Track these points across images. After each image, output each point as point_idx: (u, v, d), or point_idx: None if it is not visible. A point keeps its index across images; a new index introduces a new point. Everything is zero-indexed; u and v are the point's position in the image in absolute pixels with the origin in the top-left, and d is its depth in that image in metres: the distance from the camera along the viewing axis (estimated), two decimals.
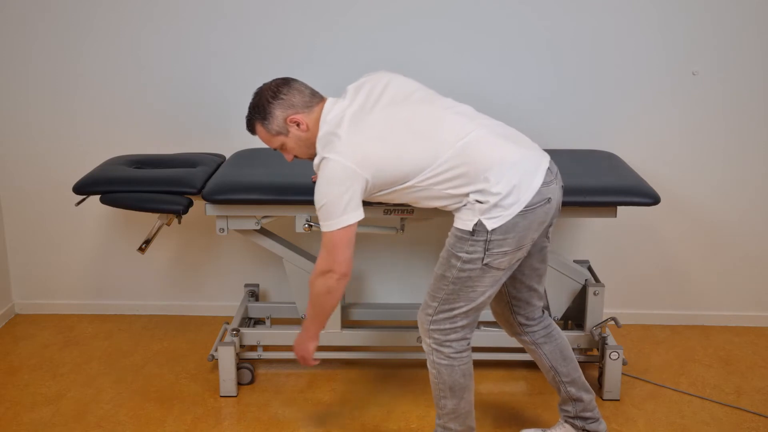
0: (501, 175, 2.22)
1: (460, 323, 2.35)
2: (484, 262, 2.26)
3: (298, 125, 2.37)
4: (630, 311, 3.56)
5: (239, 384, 3.00)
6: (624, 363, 2.91)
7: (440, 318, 2.35)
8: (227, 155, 3.28)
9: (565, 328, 3.20)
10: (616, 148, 3.33)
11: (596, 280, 3.09)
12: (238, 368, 2.97)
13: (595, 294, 2.98)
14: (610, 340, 2.95)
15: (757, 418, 2.85)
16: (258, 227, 2.89)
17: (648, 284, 3.54)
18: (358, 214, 2.27)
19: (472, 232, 2.24)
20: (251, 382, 3.04)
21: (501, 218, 2.22)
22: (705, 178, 3.40)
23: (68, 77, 3.36)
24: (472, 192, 2.25)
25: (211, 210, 2.84)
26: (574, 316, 3.13)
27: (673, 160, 3.38)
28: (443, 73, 3.28)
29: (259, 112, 2.40)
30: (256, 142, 3.35)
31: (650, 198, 2.74)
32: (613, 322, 2.97)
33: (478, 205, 2.24)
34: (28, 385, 3.05)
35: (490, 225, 2.22)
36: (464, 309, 2.33)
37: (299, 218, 2.84)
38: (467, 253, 2.26)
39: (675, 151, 3.37)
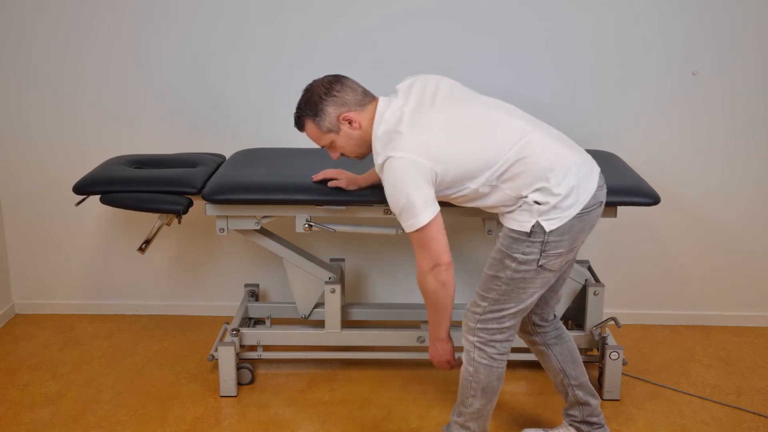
0: (562, 176, 2.22)
1: (507, 324, 2.35)
2: (540, 263, 2.26)
3: (350, 123, 2.35)
4: (630, 311, 3.56)
5: (239, 384, 3.00)
6: (624, 363, 2.91)
7: (488, 318, 2.34)
8: (227, 155, 3.27)
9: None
10: (616, 148, 3.33)
11: (596, 280, 3.09)
12: (238, 368, 2.97)
13: (595, 294, 2.98)
14: (610, 340, 2.95)
15: (757, 418, 2.85)
16: (258, 227, 2.89)
17: (648, 284, 3.54)
18: (437, 206, 2.24)
19: (530, 233, 2.24)
20: (251, 382, 3.04)
21: (559, 220, 2.22)
22: (705, 178, 3.40)
23: (68, 77, 3.36)
24: (531, 192, 2.23)
25: (211, 210, 2.84)
26: (574, 316, 3.13)
27: (673, 160, 3.38)
28: (443, 73, 3.26)
29: (310, 108, 2.36)
30: (256, 142, 3.36)
31: (650, 198, 2.74)
32: (613, 322, 2.97)
33: (536, 206, 2.23)
34: (28, 385, 3.05)
35: (548, 226, 2.22)
36: (513, 310, 2.33)
37: (299, 218, 2.83)
38: (523, 254, 2.25)
39: (675, 151, 3.37)
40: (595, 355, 3.07)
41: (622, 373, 2.97)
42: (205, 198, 2.78)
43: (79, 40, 3.32)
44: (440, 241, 2.25)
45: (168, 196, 2.78)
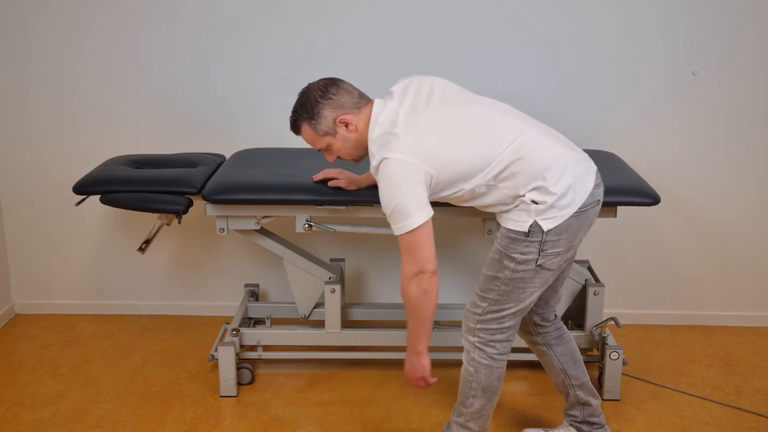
0: (558, 175, 2.22)
1: (507, 324, 2.35)
2: (538, 263, 2.26)
3: (347, 126, 2.35)
4: (630, 311, 3.56)
5: (239, 384, 3.00)
6: (624, 363, 2.92)
7: (488, 318, 2.35)
8: (227, 155, 3.28)
9: None
10: (616, 148, 3.33)
11: (596, 280, 3.09)
12: (238, 368, 2.97)
13: (595, 294, 2.98)
14: (610, 340, 2.95)
15: (757, 418, 2.85)
16: (258, 227, 2.89)
17: (648, 284, 3.54)
18: (430, 210, 2.22)
19: (527, 233, 2.24)
20: (251, 382, 3.04)
21: (556, 219, 2.22)
22: (705, 178, 3.40)
23: (68, 77, 3.36)
24: (528, 192, 2.23)
25: (211, 210, 2.84)
26: (574, 316, 3.13)
27: (673, 160, 3.38)
28: (443, 73, 3.25)
29: (307, 111, 2.35)
30: (256, 142, 3.36)
31: (650, 198, 2.74)
32: (613, 322, 2.97)
33: (533, 206, 2.23)
34: (28, 385, 3.05)
35: (546, 226, 2.22)
36: (513, 310, 2.33)
37: (299, 218, 2.83)
38: (521, 254, 2.25)
39: (675, 151, 3.37)
40: (595, 355, 3.07)
41: (622, 373, 2.97)
42: (205, 198, 2.78)
43: (79, 40, 3.32)
44: (428, 247, 2.22)
45: (168, 196, 2.78)
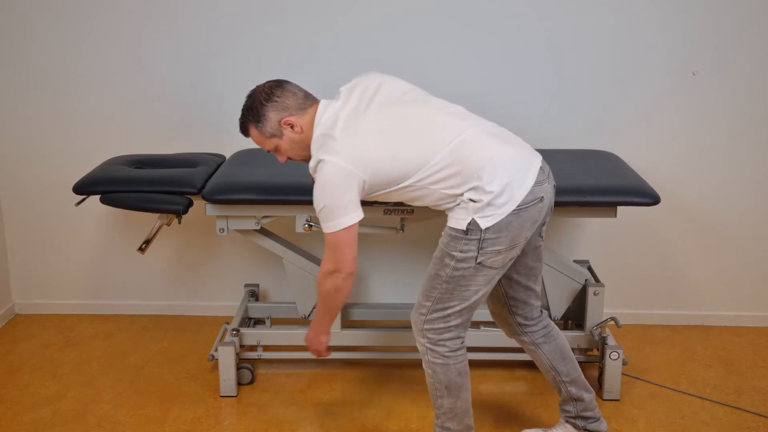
0: (494, 173, 2.23)
1: (453, 322, 2.36)
2: (478, 260, 2.27)
3: (292, 127, 2.38)
4: (630, 311, 3.56)
5: (239, 384, 3.00)
6: (624, 363, 2.91)
7: (434, 317, 2.35)
8: (227, 155, 3.28)
9: (565, 328, 3.21)
10: (616, 148, 3.33)
11: (596, 280, 3.09)
12: (238, 368, 2.97)
13: (595, 294, 2.98)
14: (610, 340, 2.95)
15: (757, 418, 2.85)
16: (258, 227, 2.89)
17: (648, 284, 3.54)
18: (359, 213, 2.28)
19: (466, 231, 2.25)
20: (251, 382, 3.04)
21: (494, 217, 2.23)
22: (705, 178, 3.40)
23: (68, 77, 3.36)
24: (466, 191, 2.26)
25: (211, 210, 2.84)
26: (574, 316, 3.13)
27: (673, 160, 3.38)
28: (443, 73, 3.28)
29: (252, 114, 2.40)
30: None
31: (650, 198, 2.74)
32: (613, 322, 2.97)
33: (471, 204, 2.24)
34: (28, 385, 3.05)
35: (483, 224, 2.23)
36: (458, 308, 2.33)
37: (299, 218, 2.83)
38: (461, 252, 2.27)
39: (675, 151, 3.37)
40: (595, 355, 3.07)
41: (622, 373, 2.97)
42: (205, 198, 2.78)
43: (79, 40, 3.32)
44: (349, 250, 2.30)
45: (168, 196, 2.78)
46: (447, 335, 2.37)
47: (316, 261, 3.09)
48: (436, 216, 2.69)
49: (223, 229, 2.87)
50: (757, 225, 3.44)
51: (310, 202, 2.74)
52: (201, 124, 3.39)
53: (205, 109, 3.38)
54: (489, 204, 2.23)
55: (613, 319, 2.97)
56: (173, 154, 3.19)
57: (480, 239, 2.24)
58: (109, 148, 3.37)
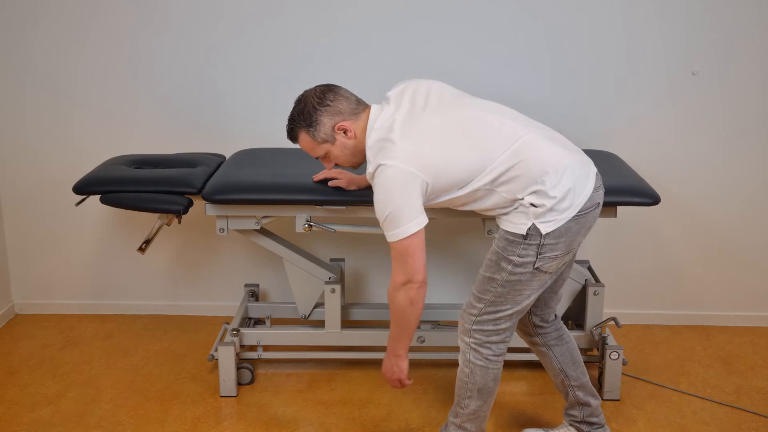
0: (557, 178, 2.21)
1: (503, 325, 2.35)
2: (536, 266, 2.25)
3: (345, 133, 2.33)
4: (630, 311, 3.56)
5: (239, 384, 3.00)
6: (624, 363, 2.92)
7: (484, 319, 2.34)
8: (227, 155, 3.28)
9: None
10: (616, 148, 3.33)
11: (596, 280, 3.09)
12: (238, 368, 2.97)
13: (595, 294, 2.98)
14: (610, 340, 2.95)
15: (757, 418, 2.85)
16: (258, 227, 2.89)
17: (648, 284, 3.54)
18: (425, 218, 2.22)
19: (525, 236, 2.23)
20: (251, 382, 3.04)
21: (555, 222, 2.21)
22: (705, 178, 3.40)
23: (68, 77, 3.36)
24: (527, 195, 2.23)
25: (211, 210, 2.84)
26: (574, 316, 3.13)
27: (673, 160, 3.38)
28: (443, 73, 3.27)
29: (304, 119, 2.34)
30: (256, 142, 3.36)
31: (650, 198, 2.74)
32: (613, 322, 2.97)
33: (532, 209, 2.22)
34: (28, 385, 3.05)
35: (544, 229, 2.21)
36: (509, 312, 2.32)
37: (299, 218, 2.83)
38: (519, 256, 2.25)
39: (675, 151, 3.37)
40: (595, 355, 3.07)
41: (622, 373, 2.97)
42: (205, 198, 2.78)
43: (79, 41, 3.32)
44: (419, 257, 2.23)
45: (168, 196, 2.78)
46: (495, 338, 2.36)
47: (316, 261, 3.09)
48: (436, 216, 2.69)
49: (223, 229, 2.87)
50: (756, 225, 3.44)
51: (310, 202, 2.76)
52: (201, 124, 3.39)
53: (205, 109, 3.38)
54: (551, 209, 2.20)
55: (613, 319, 2.97)
56: (173, 154, 3.19)
57: (539, 244, 2.22)
58: (109, 148, 3.37)
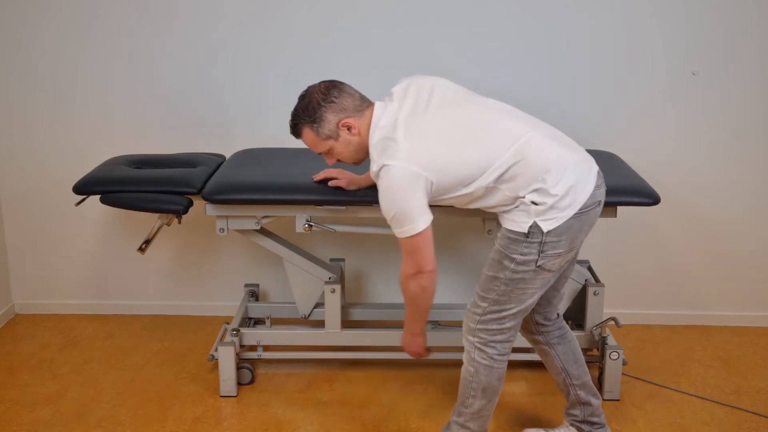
0: (559, 176, 2.22)
1: (507, 324, 2.35)
2: (538, 263, 2.26)
3: (349, 129, 2.34)
4: (630, 311, 3.56)
5: (239, 384, 3.00)
6: (624, 363, 2.92)
7: (489, 318, 2.35)
8: (227, 155, 3.28)
9: None
10: (616, 148, 3.33)
11: (596, 280, 3.09)
12: (238, 368, 2.97)
13: (595, 294, 2.98)
14: (610, 340, 2.95)
15: (757, 418, 2.85)
16: (258, 227, 2.89)
17: (648, 284, 3.54)
18: (430, 215, 2.25)
19: (527, 234, 2.23)
20: (251, 382, 3.04)
21: (556, 220, 2.22)
22: (705, 178, 3.40)
23: (68, 77, 3.36)
24: (528, 193, 2.23)
25: (211, 210, 2.84)
26: (574, 316, 3.13)
27: (673, 160, 3.38)
28: (443, 73, 3.25)
29: (308, 115, 2.35)
30: (256, 142, 3.36)
31: (650, 198, 2.74)
32: (613, 322, 2.97)
33: (533, 207, 2.22)
34: (28, 385, 3.05)
35: (545, 227, 2.22)
36: (514, 310, 2.33)
37: (299, 218, 2.83)
38: (521, 254, 2.25)
39: (675, 151, 3.37)
40: (595, 355, 3.07)
41: (622, 373, 2.97)
42: (205, 198, 2.78)
43: (79, 41, 3.32)
44: (428, 250, 2.27)
45: (168, 196, 2.78)
46: (499, 337, 2.36)
47: (316, 261, 3.09)
48: (435, 215, 2.69)
49: (223, 229, 2.87)
50: (757, 225, 3.44)
51: (310, 202, 2.76)
52: (201, 124, 3.39)
53: (205, 109, 3.38)
54: (552, 207, 2.21)
55: (613, 319, 2.97)
56: (173, 154, 3.19)
57: (541, 242, 2.23)
58: (109, 148, 3.37)
